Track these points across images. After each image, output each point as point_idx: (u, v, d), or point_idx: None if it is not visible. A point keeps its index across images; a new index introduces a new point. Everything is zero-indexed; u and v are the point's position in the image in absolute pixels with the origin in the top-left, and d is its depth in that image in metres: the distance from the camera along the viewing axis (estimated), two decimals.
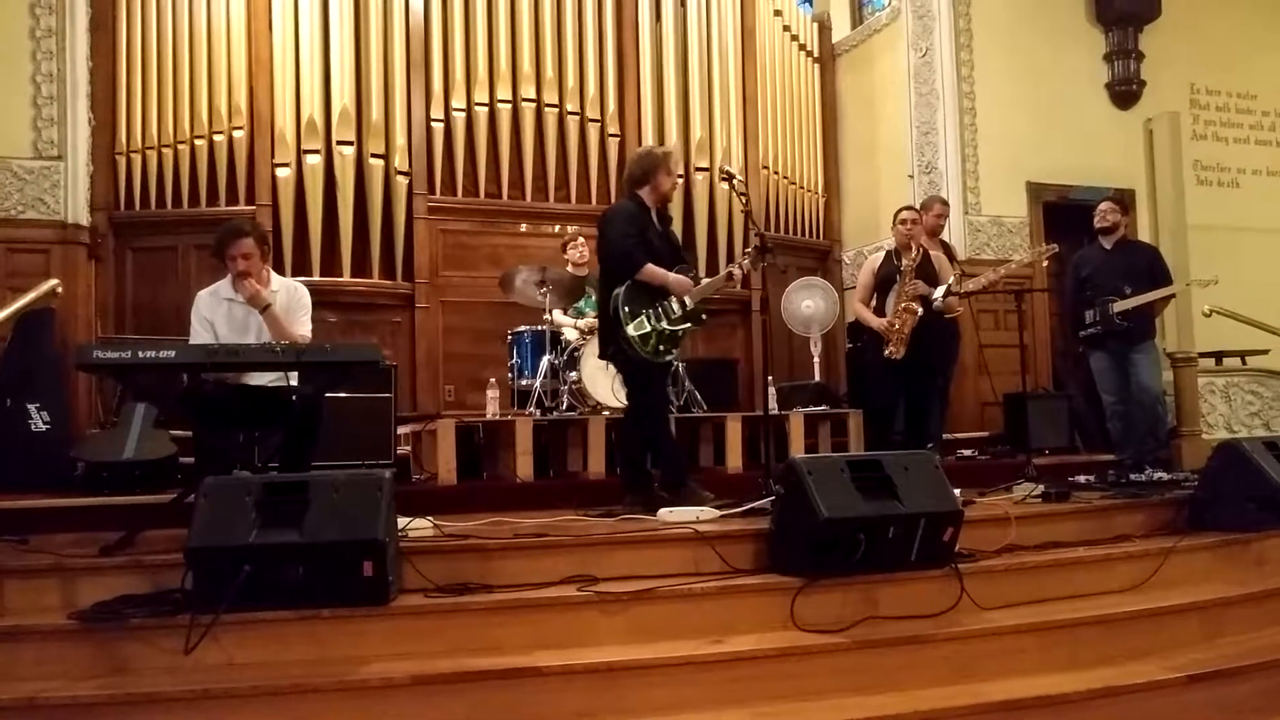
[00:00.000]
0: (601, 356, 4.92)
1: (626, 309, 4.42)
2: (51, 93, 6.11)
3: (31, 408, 5.56)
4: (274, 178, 7.14)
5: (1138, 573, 3.80)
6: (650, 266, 4.47)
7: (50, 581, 3.20)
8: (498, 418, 5.89)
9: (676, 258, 4.69)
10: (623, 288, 4.46)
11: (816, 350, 7.18)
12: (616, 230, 4.53)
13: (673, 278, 4.51)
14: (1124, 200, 6.30)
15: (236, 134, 7.15)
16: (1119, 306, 5.65)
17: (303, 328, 4.20)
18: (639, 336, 4.41)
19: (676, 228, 5.88)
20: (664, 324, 4.47)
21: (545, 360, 5.94)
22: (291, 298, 4.25)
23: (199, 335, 4.11)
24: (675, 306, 4.49)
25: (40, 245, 6.06)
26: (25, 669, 2.86)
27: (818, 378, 7.15)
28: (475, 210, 7.79)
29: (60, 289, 5.95)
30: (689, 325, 4.60)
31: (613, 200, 8.05)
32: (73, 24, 6.19)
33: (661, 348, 4.50)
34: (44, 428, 5.56)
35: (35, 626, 2.98)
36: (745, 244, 4.67)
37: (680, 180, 4.72)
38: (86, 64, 6.39)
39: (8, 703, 2.69)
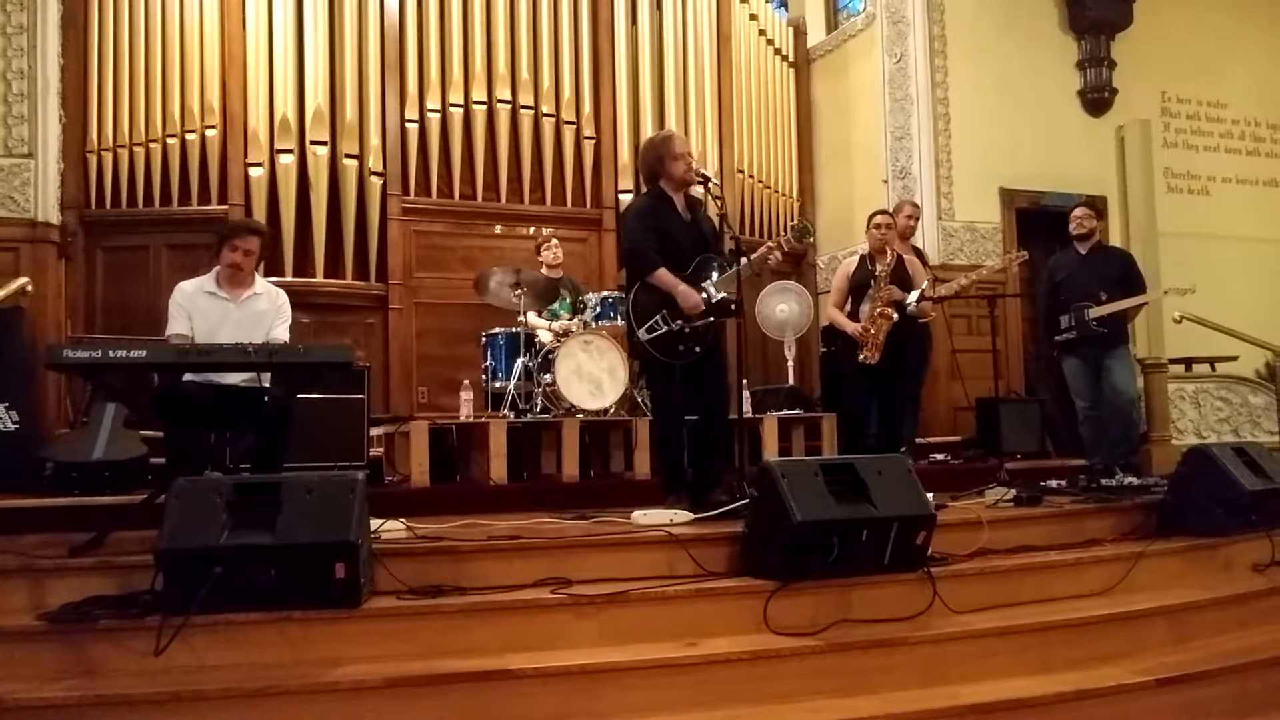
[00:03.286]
0: (630, 355, 4.83)
1: (638, 312, 4.33)
2: (22, 90, 6.04)
3: (0, 407, 5.49)
4: (246, 177, 7.09)
5: (1108, 576, 3.84)
6: (660, 272, 4.30)
7: (18, 582, 3.16)
8: (471, 420, 5.87)
9: (704, 248, 4.48)
10: (635, 289, 4.37)
11: (791, 354, 7.21)
12: (627, 230, 4.46)
13: (681, 289, 4.28)
14: (1097, 206, 6.37)
15: (209, 133, 7.10)
16: (1095, 312, 5.71)
17: (280, 332, 4.21)
18: (651, 340, 4.32)
19: None
20: (679, 324, 4.31)
21: (519, 362, 5.92)
22: (273, 303, 4.26)
23: (175, 323, 4.10)
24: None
25: (9, 243, 6.00)
26: None
27: (792, 381, 7.18)
28: (449, 212, 7.77)
29: (30, 287, 5.88)
30: (713, 320, 4.40)
31: (586, 204, 8.09)
32: (44, 21, 6.14)
33: (681, 347, 4.32)
34: (12, 427, 5.51)
35: (3, 628, 2.94)
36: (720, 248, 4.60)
37: (690, 159, 4.51)
38: (58, 61, 6.34)
39: None
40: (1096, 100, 8.46)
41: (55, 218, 6.21)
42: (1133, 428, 5.95)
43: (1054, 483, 5.41)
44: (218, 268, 4.23)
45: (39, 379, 5.84)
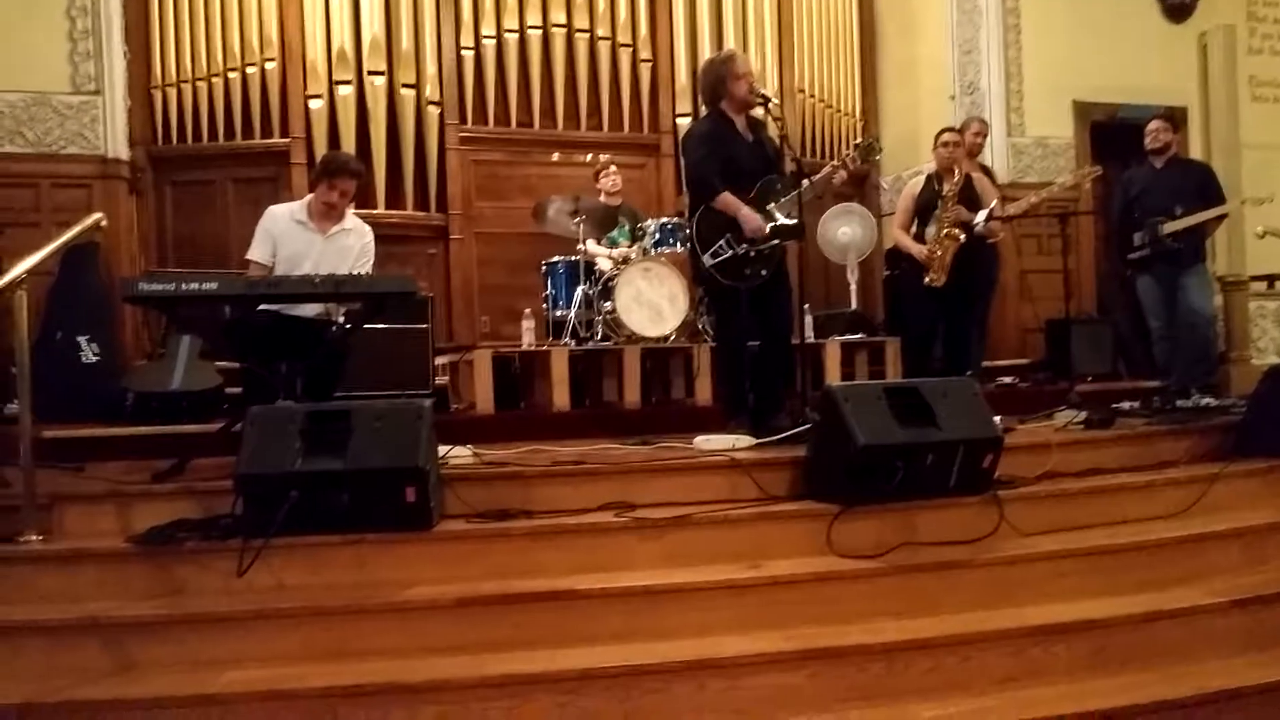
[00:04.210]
0: (694, 281, 4.82)
1: (702, 237, 4.30)
2: (86, 27, 6.10)
3: (81, 340, 5.68)
4: (306, 109, 7.13)
5: (1181, 499, 3.76)
6: (724, 196, 4.26)
7: (106, 507, 3.30)
8: (533, 348, 5.92)
9: (768, 169, 4.43)
10: (698, 215, 4.33)
11: (853, 278, 7.10)
12: (689, 155, 4.41)
13: (744, 212, 4.25)
14: (1174, 118, 6.09)
15: (269, 66, 7.12)
16: (1169, 227, 5.51)
17: (364, 268, 4.26)
18: (716, 265, 4.29)
19: None
20: (744, 247, 4.27)
21: (579, 290, 5.94)
22: (360, 240, 4.31)
23: (258, 246, 4.18)
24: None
25: (82, 180, 6.10)
26: (86, 590, 2.97)
27: (854, 305, 7.09)
28: (507, 140, 7.74)
29: (104, 223, 6.00)
30: (778, 242, 4.34)
31: (644, 129, 7.98)
32: None
33: (747, 271, 4.29)
34: (94, 359, 5.68)
35: (94, 549, 3.08)
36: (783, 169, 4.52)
37: (752, 79, 4.42)
38: None
39: (72, 621, 2.80)
40: (1177, 6, 8.03)
41: (125, 154, 6.30)
42: (1210, 347, 5.77)
43: (1127, 405, 5.28)
44: (310, 196, 4.27)
45: (117, 312, 6.00)
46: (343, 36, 7.15)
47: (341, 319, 4.15)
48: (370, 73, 7.18)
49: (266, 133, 7.16)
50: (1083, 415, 4.60)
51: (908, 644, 2.88)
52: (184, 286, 3.54)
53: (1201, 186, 5.67)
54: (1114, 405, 5.20)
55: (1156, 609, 3.11)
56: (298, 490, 3.03)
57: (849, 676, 2.83)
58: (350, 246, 4.27)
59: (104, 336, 5.76)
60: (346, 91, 7.12)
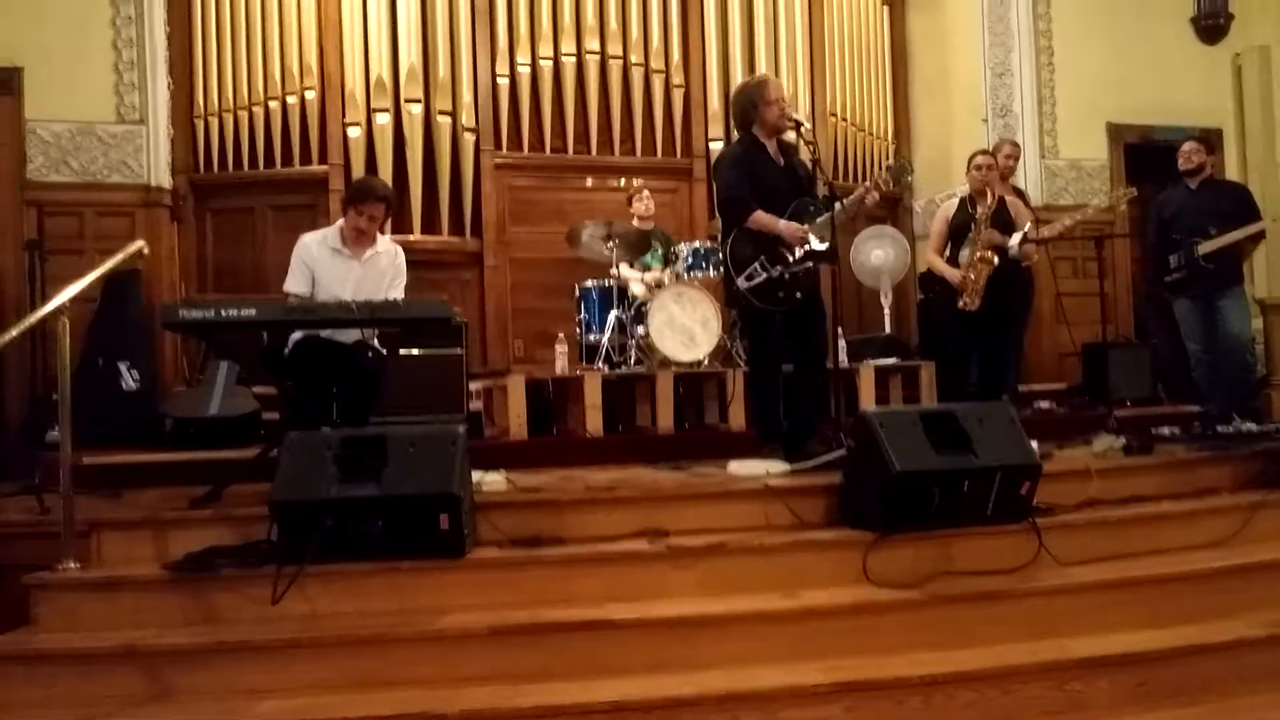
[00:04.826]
0: (728, 304, 4.83)
1: (735, 261, 4.29)
2: (132, 58, 6.23)
3: (122, 366, 5.76)
4: (345, 137, 7.21)
5: (1225, 527, 3.69)
6: (759, 214, 4.25)
7: (143, 533, 3.34)
8: (566, 373, 5.92)
9: (800, 193, 4.41)
10: (731, 237, 4.32)
11: (887, 301, 7.06)
12: (722, 178, 4.41)
13: (783, 225, 4.23)
14: (1210, 140, 6.02)
15: (308, 94, 7.22)
16: (1204, 247, 5.42)
17: (397, 291, 4.29)
18: (750, 289, 4.27)
19: None
20: (778, 270, 4.25)
21: (613, 315, 5.95)
22: (392, 261, 4.36)
23: (295, 277, 4.22)
24: (794, 250, 4.26)
25: (125, 208, 6.21)
26: (123, 617, 3.01)
27: (888, 329, 7.04)
28: (541, 165, 7.78)
29: (146, 250, 6.10)
30: (811, 265, 4.32)
31: (677, 153, 8.01)
32: None
33: (781, 294, 4.27)
34: (134, 385, 5.76)
35: (132, 576, 3.12)
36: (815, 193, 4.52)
37: (783, 104, 4.43)
38: (164, 28, 6.48)
39: (109, 649, 2.83)
40: (1211, 27, 7.97)
41: (167, 182, 6.41)
42: (1249, 373, 5.66)
43: (1167, 430, 5.21)
44: (341, 222, 4.32)
45: (157, 339, 6.09)
46: (381, 66, 7.24)
47: (376, 344, 4.19)
48: (408, 100, 7.26)
49: (305, 160, 7.25)
50: (1122, 441, 4.53)
51: (947, 677, 2.84)
52: (223, 313, 3.59)
53: (1238, 206, 5.57)
54: (1154, 430, 5.14)
55: (1201, 642, 3.05)
56: (332, 517, 3.05)
57: (887, 710, 2.79)
58: (384, 269, 4.32)
59: (144, 363, 5.85)
60: (384, 119, 7.21)
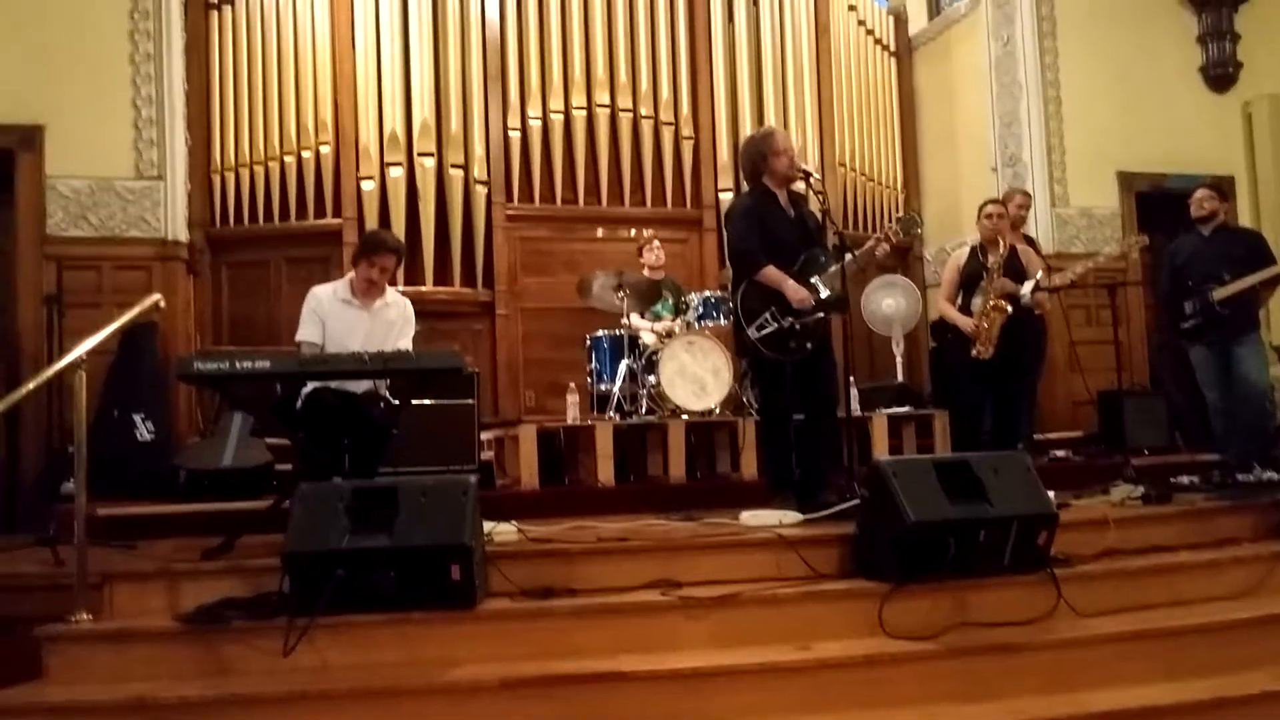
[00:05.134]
0: (738, 354, 4.83)
1: (746, 311, 4.31)
2: (151, 115, 6.35)
3: (137, 418, 5.79)
4: (359, 191, 7.31)
5: (1246, 578, 3.64)
6: (768, 269, 4.28)
7: (156, 585, 3.34)
8: (578, 423, 5.93)
9: (810, 243, 4.45)
10: (742, 288, 4.35)
11: (899, 350, 7.06)
12: (732, 229, 4.46)
13: (790, 286, 4.25)
14: (1222, 186, 6.03)
15: (323, 149, 7.33)
16: (1219, 293, 5.40)
17: (405, 341, 4.34)
18: (761, 339, 4.28)
19: None
20: (789, 320, 4.27)
21: (624, 364, 5.96)
22: (401, 313, 4.41)
23: (307, 327, 4.26)
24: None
25: (142, 262, 6.29)
26: (135, 669, 2.99)
27: (900, 378, 7.03)
28: (552, 217, 7.86)
29: (162, 304, 6.17)
30: (822, 315, 4.34)
31: (687, 204, 8.08)
32: (169, 49, 6.41)
33: (792, 344, 4.28)
34: (149, 437, 5.78)
35: (143, 628, 3.11)
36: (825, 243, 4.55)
37: (792, 154, 4.47)
38: (183, 86, 6.62)
39: (120, 702, 2.82)
40: (1220, 76, 8.04)
41: (183, 236, 6.49)
42: (1268, 419, 5.61)
43: (1185, 479, 5.16)
44: (351, 274, 4.38)
45: (172, 390, 6.13)
46: (394, 120, 7.35)
47: (388, 394, 4.21)
48: (420, 154, 7.36)
49: (320, 213, 7.34)
50: (1140, 490, 4.49)
51: None
52: (237, 365, 3.61)
53: (1252, 252, 5.55)
54: (1172, 479, 5.08)
55: (1223, 695, 2.99)
56: (344, 568, 3.04)
57: None
58: (393, 320, 4.37)
59: (159, 414, 5.87)
60: (397, 173, 7.31)
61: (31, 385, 3.44)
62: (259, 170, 7.36)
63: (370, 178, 7.30)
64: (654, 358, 5.86)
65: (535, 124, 7.74)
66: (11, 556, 4.22)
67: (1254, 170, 8.00)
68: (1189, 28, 8.09)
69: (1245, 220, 7.75)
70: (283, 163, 7.35)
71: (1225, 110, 8.08)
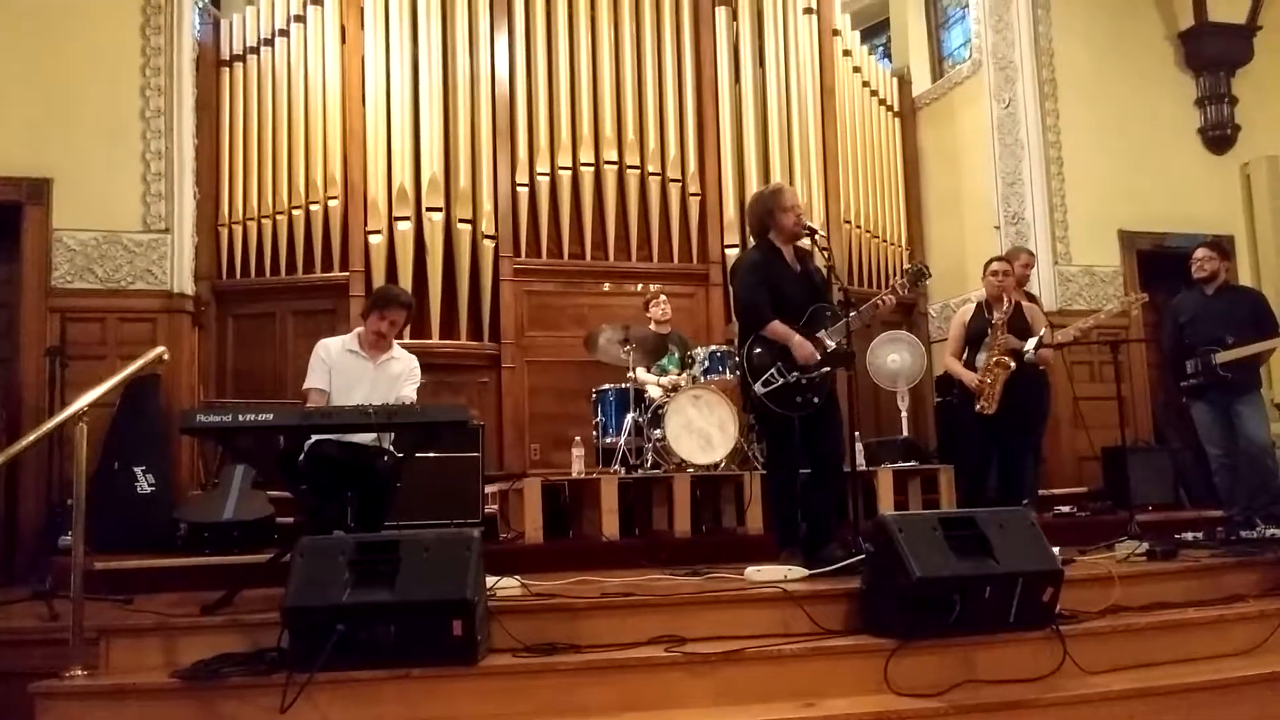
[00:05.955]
0: (744, 409, 4.84)
1: (752, 366, 4.33)
2: (160, 169, 6.43)
3: (138, 470, 5.77)
4: (366, 244, 7.38)
5: (1253, 635, 3.60)
6: (775, 325, 4.30)
7: (153, 640, 3.30)
8: (583, 476, 5.91)
9: (816, 299, 4.47)
10: (748, 343, 4.37)
11: (904, 405, 7.06)
12: (739, 284, 4.49)
13: (796, 341, 4.27)
14: (1222, 245, 6.08)
15: (331, 203, 7.42)
16: (1222, 358, 5.41)
17: (409, 393, 4.37)
18: (767, 394, 4.29)
19: None
20: (795, 375, 4.28)
21: (629, 418, 5.97)
22: (406, 367, 4.45)
23: (315, 376, 4.29)
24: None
25: (147, 314, 6.32)
26: None
27: (906, 433, 7.02)
28: (559, 271, 7.93)
29: (166, 356, 6.19)
30: (828, 370, 4.35)
31: (693, 260, 8.15)
32: (180, 104, 6.52)
33: (798, 399, 4.29)
34: (149, 490, 5.76)
35: (139, 685, 3.06)
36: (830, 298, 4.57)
37: (799, 211, 4.51)
38: (192, 141, 6.71)
39: None
40: (1218, 138, 8.16)
41: (190, 289, 6.54)
42: (1271, 477, 5.59)
43: (1190, 535, 5.12)
44: (360, 329, 4.42)
45: (173, 443, 6.12)
46: (403, 175, 7.45)
47: (391, 447, 4.21)
48: (429, 209, 7.44)
49: (327, 266, 7.40)
50: (1144, 546, 4.46)
51: None
52: (240, 418, 3.62)
53: (1254, 314, 5.58)
54: (1177, 536, 5.04)
55: None
56: (344, 623, 3.01)
57: None
58: (398, 374, 4.40)
59: (160, 467, 5.86)
60: (405, 227, 7.38)
61: (32, 438, 3.43)
62: (266, 223, 7.44)
63: (378, 231, 7.37)
64: (660, 411, 5.87)
65: (543, 180, 7.84)
66: (8, 610, 4.20)
67: (1253, 230, 8.08)
68: (1188, 91, 8.22)
69: (1245, 279, 7.80)
70: (290, 216, 7.44)
71: (1224, 171, 8.17)
